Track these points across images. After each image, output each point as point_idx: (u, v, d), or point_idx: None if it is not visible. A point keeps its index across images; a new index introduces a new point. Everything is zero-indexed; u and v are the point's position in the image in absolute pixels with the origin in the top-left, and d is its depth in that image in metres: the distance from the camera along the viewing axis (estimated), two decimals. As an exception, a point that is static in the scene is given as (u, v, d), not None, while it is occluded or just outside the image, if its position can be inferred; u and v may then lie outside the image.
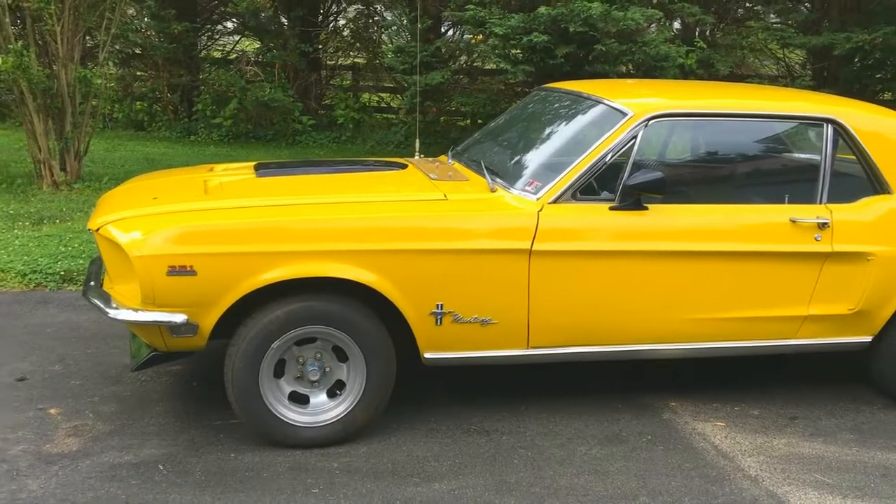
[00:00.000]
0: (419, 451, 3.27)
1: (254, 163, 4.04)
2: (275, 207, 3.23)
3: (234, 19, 12.87)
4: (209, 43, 13.34)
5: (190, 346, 3.19)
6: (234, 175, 3.86)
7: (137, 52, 11.98)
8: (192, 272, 3.01)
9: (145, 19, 11.88)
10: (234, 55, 12.84)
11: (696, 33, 10.62)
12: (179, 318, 3.04)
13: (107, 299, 3.20)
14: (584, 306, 3.38)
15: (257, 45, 12.84)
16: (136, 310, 3.07)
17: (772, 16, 11.71)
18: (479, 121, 10.51)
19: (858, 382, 4.02)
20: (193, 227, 3.07)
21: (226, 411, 3.36)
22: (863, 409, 3.79)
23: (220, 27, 13.34)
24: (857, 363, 3.89)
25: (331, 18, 13.13)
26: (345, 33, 13.21)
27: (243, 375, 3.14)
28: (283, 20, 12.29)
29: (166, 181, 3.89)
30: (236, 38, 13.44)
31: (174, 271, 3.01)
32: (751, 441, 3.44)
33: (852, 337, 3.67)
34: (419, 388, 3.79)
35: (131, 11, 11.56)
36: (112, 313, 3.13)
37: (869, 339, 3.69)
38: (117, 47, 11.36)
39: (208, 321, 3.09)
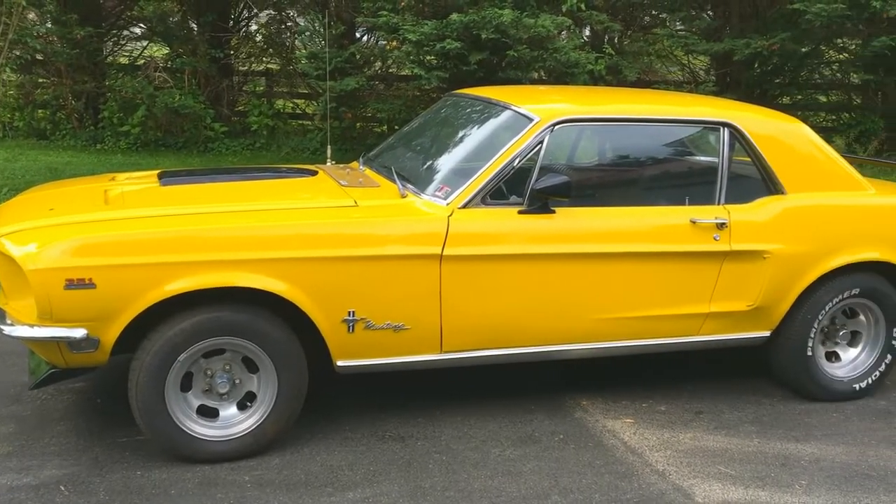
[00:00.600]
0: (333, 460, 3.24)
1: (157, 171, 3.93)
2: (178, 216, 3.15)
3: (140, 24, 12.51)
4: (115, 49, 12.92)
5: (91, 362, 3.08)
6: (137, 184, 3.75)
7: (39, 57, 11.51)
8: (91, 285, 2.91)
9: (47, 24, 11.43)
10: (142, 61, 12.48)
11: (605, 40, 10.87)
12: (79, 333, 2.94)
13: (1, 315, 3.07)
14: (495, 309, 3.41)
15: (166, 50, 12.51)
16: (32, 326, 2.96)
17: (677, 23, 12.11)
18: (396, 126, 10.49)
19: (759, 376, 4.18)
20: (92, 239, 2.97)
21: (131, 428, 3.26)
22: (763, 402, 3.95)
23: (126, 32, 12.94)
24: (758, 357, 4.05)
25: (242, 23, 12.90)
26: (257, 39, 13.00)
27: (148, 390, 3.05)
28: (193, 25, 12.02)
29: (64, 191, 3.75)
30: (144, 43, 13.06)
31: (72, 285, 2.90)
32: (658, 436, 3.54)
33: (752, 332, 3.82)
34: (333, 397, 3.76)
35: (32, 16, 11.11)
36: (7, 330, 3.01)
37: (767, 333, 3.85)
38: (16, 53, 10.88)
39: (110, 335, 2.99)
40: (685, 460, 3.34)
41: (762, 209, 3.72)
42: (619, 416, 3.72)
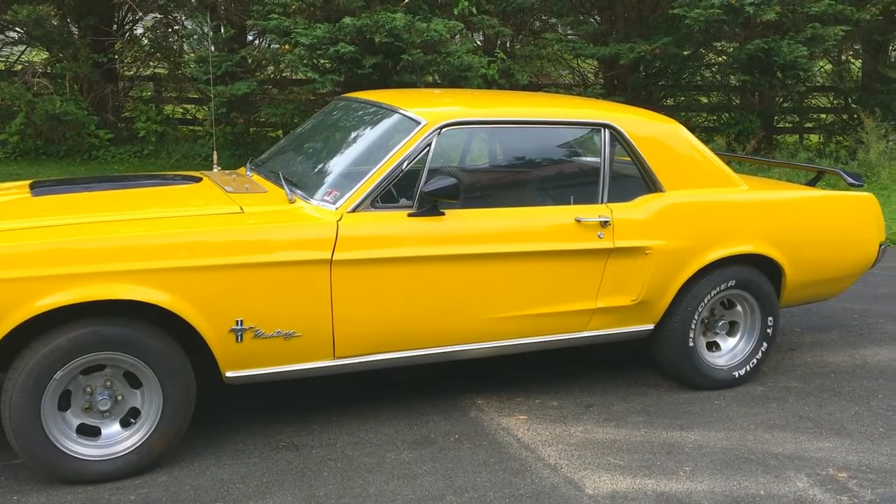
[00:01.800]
0: (224, 473, 3.17)
1: (29, 181, 3.75)
2: (50, 228, 3.01)
3: (16, 29, 11.90)
4: (-11, 53, 12.26)
5: (-41, 384, 2.91)
6: (7, 195, 3.56)
7: None
8: (-44, 302, 2.75)
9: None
10: (20, 66, 11.88)
11: (497, 45, 11.05)
12: (-57, 353, 2.77)
13: None
14: (387, 313, 3.41)
15: (45, 55, 11.95)
16: None
17: (567, 28, 12.42)
18: (290, 131, 10.35)
19: (646, 368, 4.33)
20: (-45, 254, 2.80)
21: (6, 451, 3.09)
22: (650, 393, 4.09)
23: (1, 37, 12.28)
24: (643, 350, 4.19)
25: (126, 27, 12.46)
26: (143, 42, 12.58)
27: (23, 411, 2.90)
28: (73, 29, 11.52)
29: (-74, 204, 3.52)
30: (21, 48, 12.43)
31: (-66, 302, 2.73)
32: (550, 431, 3.61)
33: (637, 326, 3.95)
34: (224, 408, 3.67)
35: None
36: None
37: (651, 326, 3.99)
38: None
39: (-22, 355, 2.83)
40: (576, 453, 3.43)
41: (642, 207, 3.85)
42: (513, 413, 3.78)
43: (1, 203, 3.39)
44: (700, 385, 4.11)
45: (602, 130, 3.86)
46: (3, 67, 12.14)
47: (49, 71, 11.35)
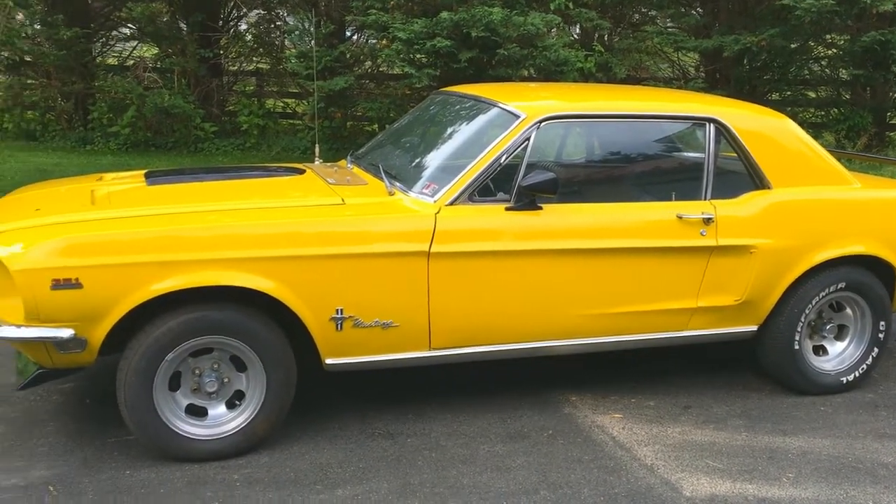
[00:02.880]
0: (322, 458, 3.25)
1: (144, 171, 3.93)
2: (164, 216, 3.15)
3: (129, 25, 12.47)
4: (104, 49, 12.89)
5: (79, 363, 3.08)
6: (124, 184, 3.74)
7: (27, 59, 11.47)
8: (78, 285, 2.91)
9: (35, 25, 11.39)
10: (132, 62, 12.45)
11: (595, 38, 10.90)
12: (66, 333, 2.93)
13: (-12, 316, 3.06)
14: (483, 306, 3.42)
15: (155, 51, 12.48)
16: (19, 326, 2.94)
17: (666, 21, 12.14)
18: (386, 125, 10.50)
19: (747, 370, 4.20)
20: (78, 239, 2.97)
21: (120, 428, 3.25)
22: (751, 396, 3.97)
23: (115, 33, 12.90)
24: (745, 351, 4.07)
25: (231, 23, 12.88)
26: (247, 38, 12.98)
27: (136, 390, 3.05)
28: (182, 25, 11.99)
29: (51, 192, 3.74)
30: (133, 44, 13.03)
31: (59, 285, 2.90)
32: (647, 431, 3.55)
33: (739, 327, 3.83)
34: (322, 395, 3.76)
35: (20, 17, 11.07)
36: (-6, 331, 2.99)
37: (755, 328, 3.86)
38: (4, 54, 10.85)
39: (97, 335, 2.99)
40: (673, 454, 3.36)
41: (748, 204, 3.73)
42: (608, 411, 3.73)
43: (118, 192, 3.56)
44: (805, 390, 3.96)
45: (707, 125, 3.76)
46: (117, 62, 12.75)
47: (159, 66, 11.85)
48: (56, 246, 2.93)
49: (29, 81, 11.77)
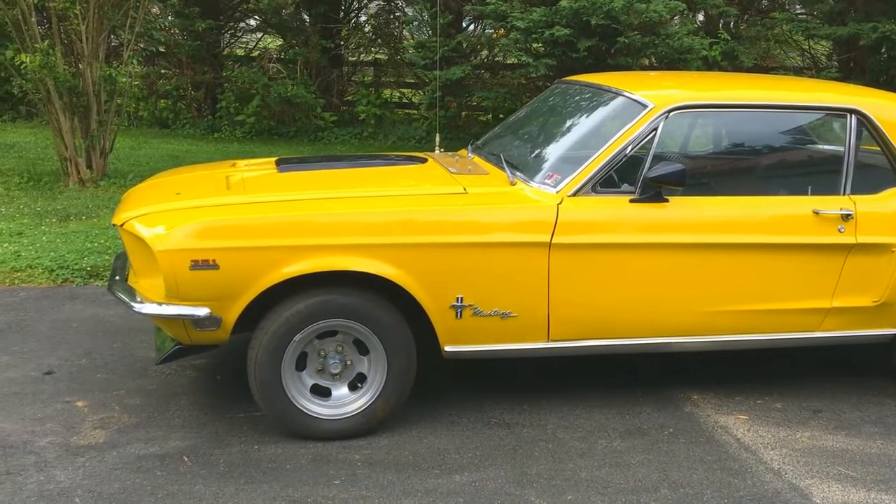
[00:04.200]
0: (440, 443, 3.29)
1: (275, 158, 4.07)
2: (296, 202, 3.25)
3: (256, 17, 12.94)
4: (232, 41, 13.44)
5: (213, 340, 3.23)
6: (256, 170, 3.89)
7: (161, 50, 12.09)
8: (215, 266, 3.05)
9: (169, 17, 11.99)
10: (257, 52, 12.92)
11: (720, 25, 10.53)
12: (203, 311, 3.08)
13: (132, 294, 3.25)
14: (604, 299, 3.37)
15: (279, 42, 12.91)
16: (160, 304, 3.12)
17: (797, 7, 11.59)
18: (501, 115, 10.50)
19: (881, 375, 3.97)
20: (216, 222, 3.11)
21: (249, 404, 3.40)
22: (887, 403, 3.75)
23: (242, 25, 13.43)
24: (876, 355, 3.85)
25: (352, 14, 13.17)
26: (366, 29, 13.24)
27: (266, 368, 3.17)
28: (305, 17, 12.35)
29: (189, 177, 3.93)
30: (259, 35, 13.52)
31: (197, 265, 3.04)
32: (773, 434, 3.42)
33: (877, 329, 3.63)
34: (441, 381, 3.80)
35: (155, 10, 11.68)
36: (137, 307, 3.18)
37: (893, 331, 3.65)
38: (141, 45, 11.46)
39: (231, 315, 3.12)
40: (802, 459, 3.22)
41: (891, 200, 3.53)
42: (732, 412, 3.61)
43: (252, 178, 3.71)
44: (948, 399, 3.72)
45: (848, 116, 3.57)
46: (243, 53, 13.27)
47: (283, 57, 12.25)
48: (195, 228, 3.08)
49: (163, 71, 12.41)
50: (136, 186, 4.03)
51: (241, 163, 4.09)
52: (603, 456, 3.22)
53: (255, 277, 3.08)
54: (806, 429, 3.48)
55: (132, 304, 3.20)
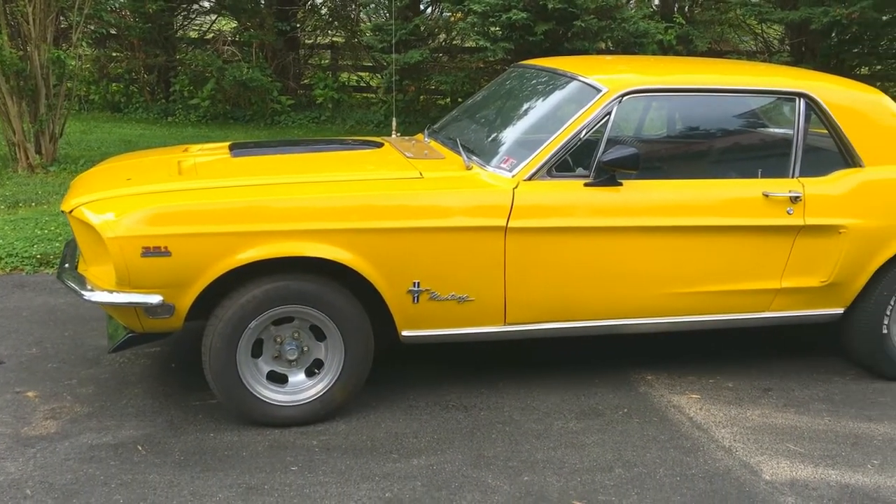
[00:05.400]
0: (398, 427, 3.30)
1: (228, 143, 4.01)
2: (249, 187, 3.21)
3: (210, -1, 12.72)
4: (185, 23, 13.19)
5: (167, 327, 3.19)
6: (209, 155, 3.83)
7: (112, 32, 11.82)
8: (167, 253, 3.01)
9: (120, -1, 11.72)
10: (211, 35, 12.71)
11: (675, 9, 10.62)
12: (155, 299, 3.04)
13: (82, 281, 3.20)
14: (559, 283, 3.40)
15: (234, 24, 12.71)
16: (111, 291, 3.07)
17: (750, -9, 11.72)
18: (459, 99, 10.49)
19: (830, 353, 4.08)
20: (167, 208, 3.06)
21: (204, 392, 3.37)
22: (835, 380, 3.86)
23: (196, 7, 13.18)
24: (829, 334, 3.95)
25: (309, -4, 13.01)
26: (323, 12, 13.10)
27: (221, 356, 3.14)
28: (260, -1, 12.18)
29: (141, 162, 3.86)
30: (213, 17, 13.29)
31: (149, 252, 3.00)
32: (725, 413, 3.49)
33: (825, 309, 3.72)
34: (398, 366, 3.81)
35: (106, -9, 11.40)
36: (87, 295, 3.12)
37: (841, 310, 3.74)
38: (91, 28, 11.18)
39: (184, 302, 3.09)
40: (753, 437, 3.30)
41: (838, 182, 3.60)
42: (685, 391, 3.68)
43: (204, 163, 3.66)
44: (892, 375, 3.83)
45: (797, 99, 3.63)
46: (197, 36, 13.04)
47: (237, 39, 12.07)
48: (146, 215, 3.03)
49: (114, 54, 12.15)
50: (85, 172, 3.94)
51: (194, 147, 4.03)
52: (559, 437, 3.26)
53: (209, 264, 3.04)
54: (756, 407, 3.56)
55: (82, 292, 3.14)
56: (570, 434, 3.28)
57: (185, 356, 3.82)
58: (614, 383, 3.73)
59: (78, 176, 3.88)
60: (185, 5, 12.96)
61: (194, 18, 13.41)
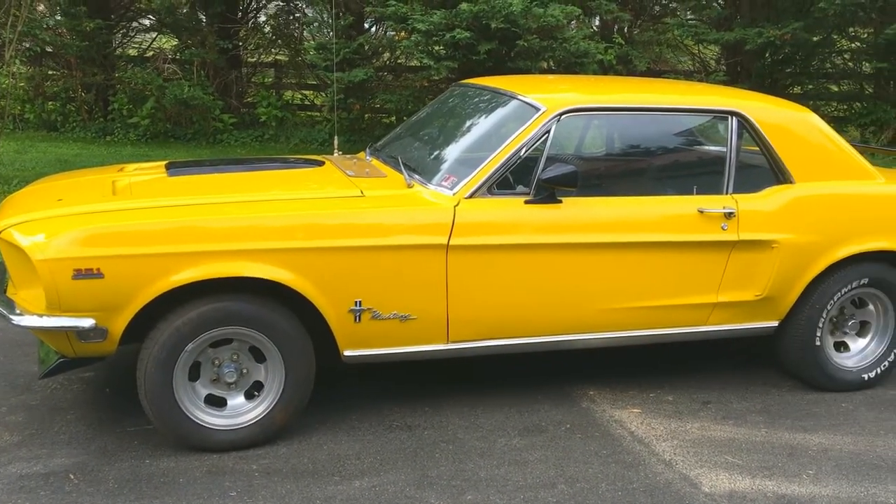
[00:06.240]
0: (340, 449, 3.25)
1: (165, 162, 3.94)
2: (185, 207, 3.15)
3: (149, 16, 12.53)
4: (124, 41, 12.95)
5: (100, 352, 3.10)
6: (145, 175, 3.76)
7: (49, 50, 11.55)
8: (100, 275, 2.93)
9: (56, 16, 11.47)
10: (151, 53, 12.51)
11: (615, 30, 10.83)
12: (87, 322, 2.95)
13: (10, 305, 3.09)
14: (502, 300, 3.41)
15: (175, 42, 12.54)
16: (41, 315, 2.97)
17: (687, 13, 12.04)
18: (404, 117, 10.50)
19: (768, 366, 4.17)
20: (99, 229, 2.98)
21: (140, 417, 3.28)
22: (772, 392, 3.94)
23: (135, 24, 12.97)
24: (766, 347, 4.03)
25: (251, 15, 12.91)
26: (265, 30, 13.01)
27: (156, 380, 3.06)
28: (201, 16, 12.03)
29: (73, 182, 3.77)
30: (153, 35, 13.09)
31: (80, 275, 2.92)
32: (665, 426, 3.53)
33: (760, 322, 3.80)
34: (340, 387, 3.77)
35: (41, 8, 11.16)
36: (16, 320, 3.02)
37: (776, 323, 3.83)
38: (26, 45, 10.93)
39: (118, 325, 3.01)
40: (692, 450, 3.34)
41: (770, 198, 3.70)
42: (627, 406, 3.72)
43: (140, 182, 3.58)
44: (826, 386, 3.93)
45: (729, 118, 3.73)
46: (137, 54, 12.82)
47: (178, 57, 11.90)
48: (78, 236, 2.95)
49: (50, 72, 11.87)
50: (15, 193, 3.83)
51: (130, 167, 3.95)
52: (502, 454, 3.26)
53: (143, 286, 2.97)
54: (696, 420, 3.61)
55: (11, 316, 3.03)
56: (513, 451, 3.28)
57: (119, 381, 3.72)
58: (557, 399, 3.75)
59: (7, 197, 3.77)
60: (124, 23, 12.74)
61: (133, 36, 13.19)
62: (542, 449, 3.30)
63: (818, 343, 3.84)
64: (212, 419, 3.17)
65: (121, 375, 3.72)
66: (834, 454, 3.35)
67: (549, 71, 9.47)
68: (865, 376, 3.95)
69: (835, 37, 11.01)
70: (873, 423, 3.64)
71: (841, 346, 4.00)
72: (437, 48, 9.22)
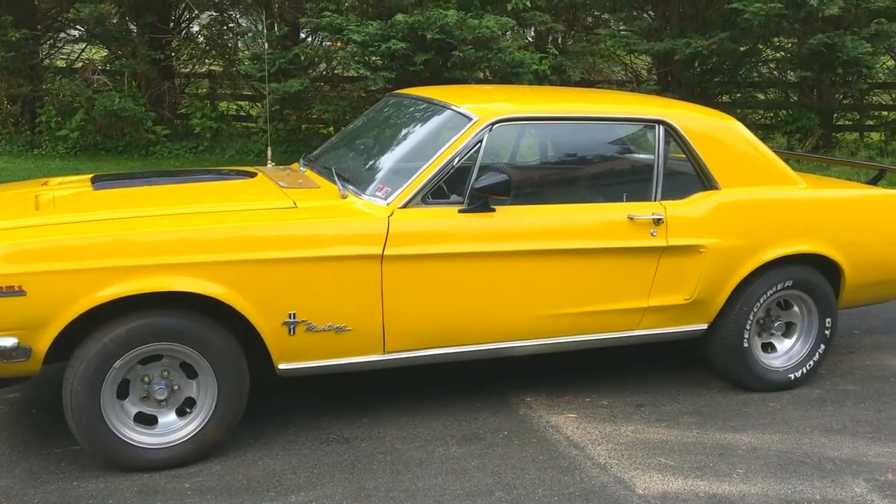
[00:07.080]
0: (276, 464, 3.21)
1: (91, 175, 3.85)
2: (111, 221, 3.08)
3: (77, 26, 12.23)
4: (52, 51, 12.63)
5: (23, 371, 3.00)
6: (69, 189, 3.66)
7: (-30, 60, 11.18)
8: (21, 292, 2.84)
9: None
10: (80, 64, 12.21)
11: (549, 41, 10.99)
12: (9, 341, 2.86)
13: (-73, 326, 2.97)
14: (437, 309, 3.41)
15: (104, 53, 12.26)
16: (-41, 335, 2.86)
17: (619, 24, 12.30)
18: (342, 128, 10.46)
19: (699, 368, 4.26)
20: (21, 245, 2.89)
21: (67, 438, 3.19)
22: (703, 393, 4.03)
23: (63, 35, 12.64)
24: (696, 350, 4.13)
25: (183, 25, 12.71)
26: (199, 40, 12.82)
27: (83, 399, 2.98)
28: (132, 27, 11.80)
29: (-6, 197, 3.65)
30: (82, 46, 12.78)
31: (1, 292, 2.82)
32: (600, 430, 3.58)
33: (690, 325, 3.89)
34: (276, 400, 3.72)
35: (-37, 18, 10.80)
36: (-68, 341, 2.90)
37: (705, 326, 3.92)
38: (-53, 56, 10.58)
39: (42, 343, 2.92)
40: (626, 453, 3.39)
41: (697, 204, 3.79)
42: (563, 411, 3.76)
43: (63, 197, 3.49)
44: (754, 387, 4.03)
45: (656, 127, 3.81)
46: (65, 65, 12.50)
47: (108, 68, 11.64)
48: (-2, 252, 2.85)
49: (-27, 84, 11.47)
50: (-68, 209, 3.68)
51: (54, 181, 3.84)
52: (440, 463, 3.26)
53: (67, 303, 2.89)
54: (630, 423, 3.67)
55: (-72, 336, 2.91)
56: (451, 460, 3.29)
57: (46, 401, 3.61)
58: (494, 406, 3.77)
59: (-77, 213, 3.62)
60: (51, 34, 12.41)
61: (62, 47, 12.85)
62: (480, 457, 3.32)
63: (746, 344, 3.95)
64: (142, 438, 3.10)
65: (47, 395, 3.61)
66: (763, 453, 3.44)
67: (485, 81, 9.55)
68: (792, 376, 4.08)
69: (760, 47, 11.38)
70: (800, 422, 3.75)
71: (768, 347, 4.11)
72: (373, 59, 9.22)
